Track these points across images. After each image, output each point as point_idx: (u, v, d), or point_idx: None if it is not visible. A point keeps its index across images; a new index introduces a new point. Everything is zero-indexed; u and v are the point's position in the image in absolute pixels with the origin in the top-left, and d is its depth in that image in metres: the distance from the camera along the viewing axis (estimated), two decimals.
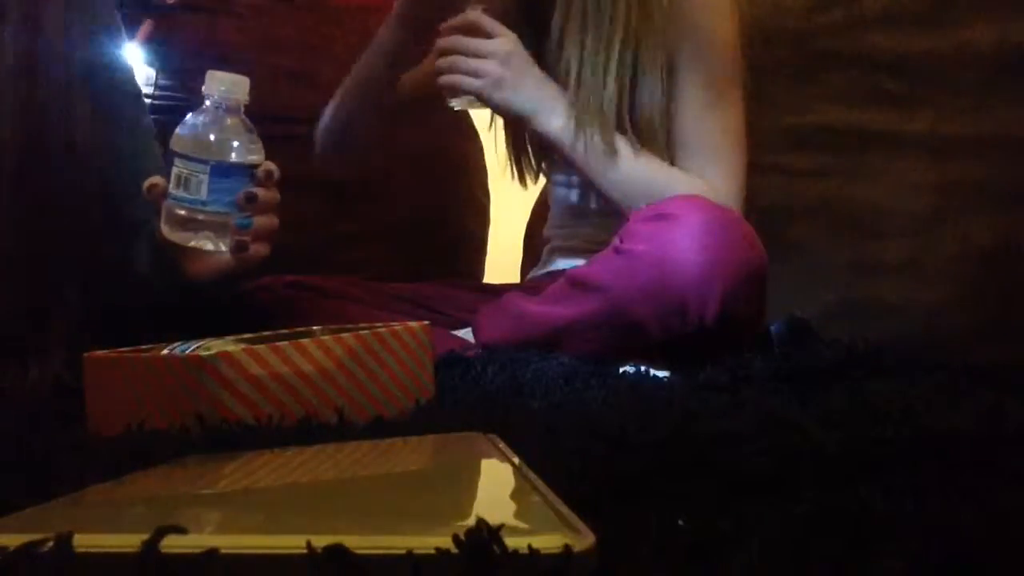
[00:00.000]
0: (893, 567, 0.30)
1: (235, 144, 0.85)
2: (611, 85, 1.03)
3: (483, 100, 1.04)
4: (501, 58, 1.02)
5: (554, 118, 1.03)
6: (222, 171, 0.83)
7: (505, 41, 1.03)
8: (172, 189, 0.83)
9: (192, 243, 0.84)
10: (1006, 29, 1.02)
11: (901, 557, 0.31)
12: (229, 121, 0.85)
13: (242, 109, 0.86)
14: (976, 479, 0.42)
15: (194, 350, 0.64)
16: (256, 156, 0.86)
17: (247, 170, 0.85)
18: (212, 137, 0.84)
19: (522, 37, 1.06)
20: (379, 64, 1.17)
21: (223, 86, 0.84)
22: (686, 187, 1.01)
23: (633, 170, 1.04)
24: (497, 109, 1.06)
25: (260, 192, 0.86)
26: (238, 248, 0.86)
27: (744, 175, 1.06)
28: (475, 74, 1.02)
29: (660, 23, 1.04)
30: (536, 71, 1.04)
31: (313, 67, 1.32)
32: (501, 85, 1.02)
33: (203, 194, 0.82)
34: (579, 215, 1.21)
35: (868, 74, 1.11)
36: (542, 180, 1.31)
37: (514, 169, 1.25)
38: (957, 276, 1.02)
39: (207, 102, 0.85)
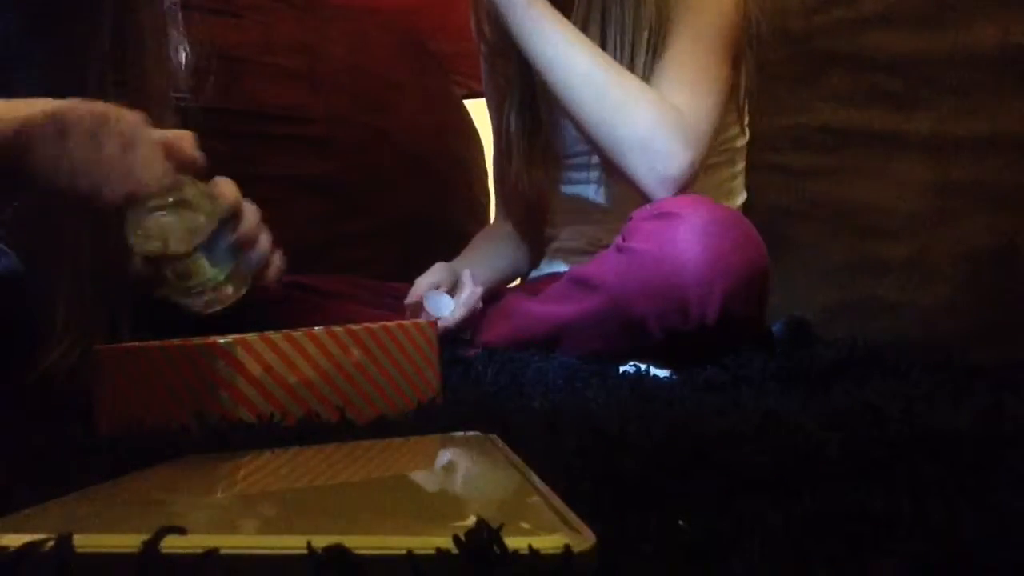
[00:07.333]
0: (893, 567, 0.30)
1: None
2: (639, 70, 1.03)
3: None
4: None
5: None
6: None
7: None
8: None
9: None
10: (1006, 29, 1.02)
11: (901, 557, 0.31)
12: None
13: None
14: (976, 479, 0.42)
15: None
16: None
17: None
18: None
19: None
20: None
21: None
22: (649, 103, 0.98)
23: (597, 72, 1.00)
24: None
25: None
26: None
27: (712, 119, 1.01)
28: None
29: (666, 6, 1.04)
30: None
31: (313, 67, 1.32)
32: None
33: None
34: (582, 216, 1.21)
35: (868, 74, 1.11)
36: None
37: (526, 179, 1.24)
38: (957, 276, 1.02)
39: None
